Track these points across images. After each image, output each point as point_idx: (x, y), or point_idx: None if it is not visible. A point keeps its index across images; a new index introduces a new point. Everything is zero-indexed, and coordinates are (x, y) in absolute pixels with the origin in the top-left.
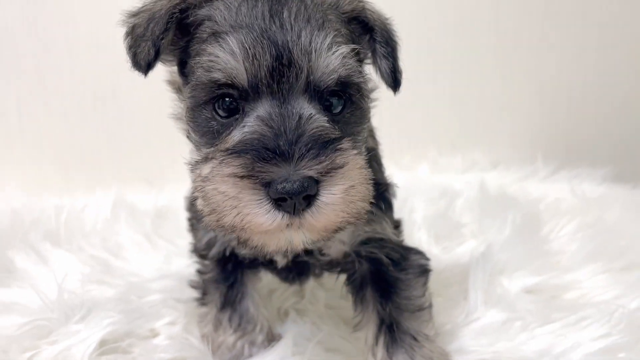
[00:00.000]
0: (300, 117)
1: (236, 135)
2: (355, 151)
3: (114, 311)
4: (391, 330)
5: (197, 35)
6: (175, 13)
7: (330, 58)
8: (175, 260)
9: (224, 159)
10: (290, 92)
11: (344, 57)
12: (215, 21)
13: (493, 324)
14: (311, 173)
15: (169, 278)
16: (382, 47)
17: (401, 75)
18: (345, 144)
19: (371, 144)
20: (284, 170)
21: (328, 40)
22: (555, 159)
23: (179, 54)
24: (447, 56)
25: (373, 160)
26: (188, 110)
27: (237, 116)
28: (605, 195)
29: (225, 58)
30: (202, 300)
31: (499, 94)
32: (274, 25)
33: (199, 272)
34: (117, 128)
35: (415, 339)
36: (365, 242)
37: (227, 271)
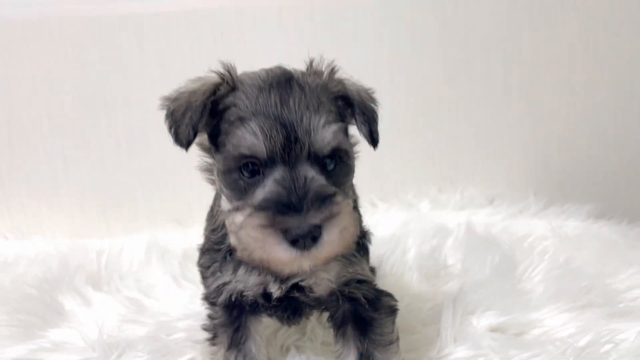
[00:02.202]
0: (305, 179)
1: (259, 194)
2: (345, 202)
3: (144, 352)
4: None
5: (225, 117)
6: (207, 104)
7: (325, 135)
8: (198, 300)
9: (252, 213)
10: (297, 160)
11: (334, 132)
12: (240, 108)
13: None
14: (316, 221)
15: (192, 318)
16: (360, 116)
17: (377, 135)
18: (338, 197)
19: (353, 197)
20: (296, 221)
21: (322, 121)
22: (546, 195)
23: (209, 129)
24: (445, 103)
25: (355, 210)
26: (220, 173)
27: (258, 177)
28: (585, 232)
29: (250, 139)
30: (212, 341)
31: (494, 136)
32: (283, 112)
33: (210, 317)
34: (148, 174)
35: None
36: (347, 283)
37: (233, 316)
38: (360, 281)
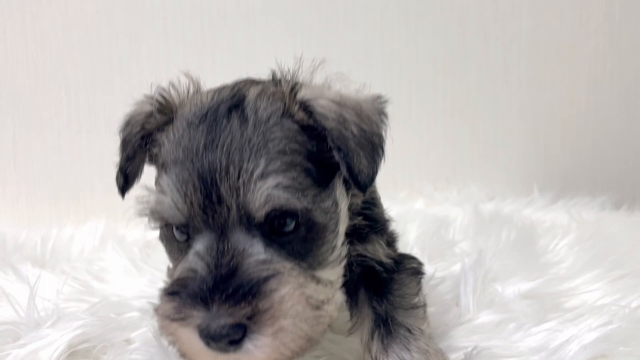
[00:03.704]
0: (234, 253)
1: (178, 270)
2: (286, 289)
3: (86, 314)
4: (386, 324)
5: (158, 159)
6: (136, 141)
7: (258, 192)
8: (160, 284)
9: (163, 298)
10: (226, 225)
11: (275, 187)
12: (165, 150)
13: (486, 324)
14: (230, 320)
15: (151, 298)
16: (336, 152)
17: (366, 174)
18: (273, 283)
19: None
20: (205, 316)
21: (258, 170)
22: (551, 190)
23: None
24: (441, 94)
25: (375, 206)
26: (159, 228)
27: (189, 242)
28: (604, 219)
29: (161, 200)
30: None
31: (493, 129)
32: (205, 160)
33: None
34: (110, 163)
35: (410, 331)
36: (358, 255)
37: None
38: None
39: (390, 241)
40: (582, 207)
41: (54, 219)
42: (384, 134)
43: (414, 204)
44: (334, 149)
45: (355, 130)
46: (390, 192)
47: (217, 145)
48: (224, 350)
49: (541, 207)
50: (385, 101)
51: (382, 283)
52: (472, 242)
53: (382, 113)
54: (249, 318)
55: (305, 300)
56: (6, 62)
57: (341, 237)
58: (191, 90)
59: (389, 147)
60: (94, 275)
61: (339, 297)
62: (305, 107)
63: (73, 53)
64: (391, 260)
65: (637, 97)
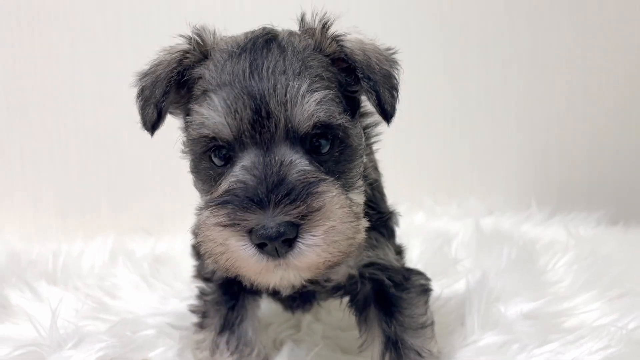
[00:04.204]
0: (281, 164)
1: (224, 185)
2: (335, 192)
3: (107, 335)
4: (396, 346)
5: (193, 92)
6: (172, 77)
7: (305, 105)
8: (172, 300)
9: (211, 209)
10: (272, 140)
11: (319, 102)
12: (206, 79)
13: (490, 345)
14: (287, 218)
15: (165, 315)
16: (365, 82)
17: (391, 106)
18: (324, 186)
19: (374, 176)
20: (262, 217)
21: (303, 88)
22: (548, 204)
23: (184, 107)
24: (440, 109)
25: (376, 190)
26: (191, 161)
27: (230, 165)
28: (600, 235)
29: (211, 115)
30: (200, 325)
31: (491, 143)
32: (253, 80)
33: (202, 294)
34: (117, 178)
35: (419, 354)
36: (369, 265)
37: (230, 294)
38: (381, 267)
39: (399, 251)
40: (579, 222)
41: (61, 232)
42: (398, 78)
43: (414, 217)
44: (364, 79)
45: (377, 67)
46: (392, 205)
47: (261, 69)
48: (275, 254)
49: (539, 221)
50: (396, 52)
51: (391, 302)
52: (475, 260)
53: (394, 61)
54: (302, 217)
55: (348, 206)
56: (14, 76)
57: (360, 168)
58: (217, 36)
59: (389, 161)
60: (106, 291)
61: (364, 223)
62: (336, 41)
63: (80, 67)
64: (400, 276)
65: (633, 111)
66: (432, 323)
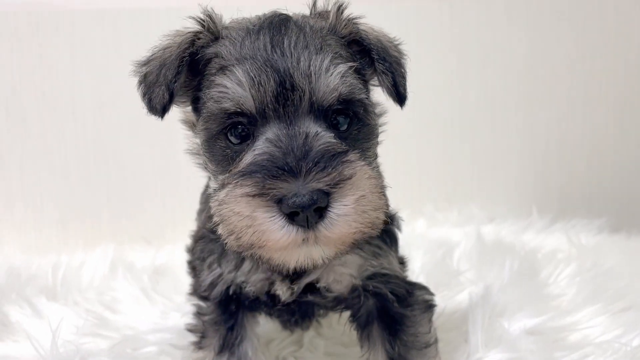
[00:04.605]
0: (307, 136)
1: (247, 158)
2: (363, 162)
3: (108, 354)
4: None
5: (207, 72)
6: (185, 57)
7: (330, 78)
8: (173, 315)
9: (236, 181)
10: (296, 114)
11: (343, 75)
12: (222, 57)
13: None
14: (320, 186)
15: (166, 331)
16: (380, 63)
17: (405, 89)
18: (352, 156)
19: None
20: (293, 185)
21: (326, 62)
22: (549, 211)
23: (192, 93)
24: (440, 115)
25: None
26: (203, 142)
27: (248, 142)
28: (602, 244)
29: (233, 87)
30: (198, 345)
31: (492, 151)
32: (275, 54)
33: (198, 314)
34: (117, 188)
35: None
36: (372, 276)
37: (228, 313)
38: (385, 276)
39: (401, 262)
40: (580, 229)
41: (62, 244)
42: (405, 67)
43: (415, 224)
44: (379, 61)
45: (390, 51)
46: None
47: (282, 44)
48: (306, 225)
49: (540, 229)
50: (401, 43)
51: (395, 319)
52: (477, 271)
53: (402, 50)
54: (334, 186)
55: (375, 177)
56: (14, 88)
57: (376, 148)
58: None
59: (390, 167)
60: (106, 306)
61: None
62: (353, 23)
63: (80, 77)
64: (403, 289)
65: (632, 118)
66: (436, 341)
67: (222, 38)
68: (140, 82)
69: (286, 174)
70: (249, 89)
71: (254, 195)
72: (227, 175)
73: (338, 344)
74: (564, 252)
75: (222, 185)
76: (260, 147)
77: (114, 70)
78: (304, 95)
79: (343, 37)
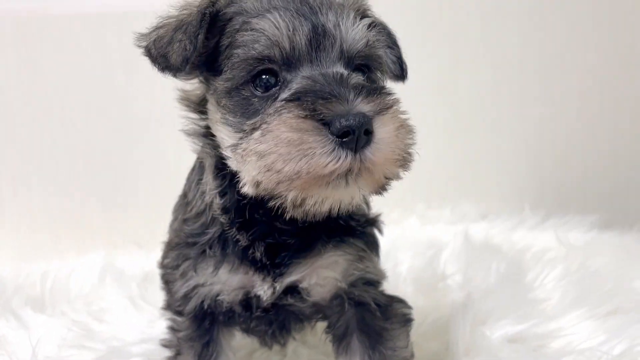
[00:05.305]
0: (341, 75)
1: (285, 94)
2: (394, 97)
3: None
4: None
5: (228, 30)
6: (206, 14)
7: (357, 28)
8: (159, 323)
9: (283, 107)
10: (327, 59)
11: (367, 27)
12: (248, 12)
13: None
14: (367, 108)
15: (151, 342)
16: (388, 37)
17: (406, 65)
18: (386, 90)
19: None
20: (343, 107)
21: (351, 17)
22: (542, 208)
23: (204, 57)
24: (431, 112)
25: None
26: (225, 94)
27: (275, 90)
28: (592, 242)
29: (271, 29)
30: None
31: (484, 147)
32: (305, 7)
33: (172, 329)
34: (107, 192)
35: None
36: (355, 283)
37: (203, 329)
38: (369, 282)
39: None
40: (573, 226)
41: (52, 249)
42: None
43: (406, 223)
44: (385, 35)
45: (390, 29)
46: (384, 210)
47: (309, 1)
48: (354, 147)
49: (533, 226)
50: None
51: (374, 331)
52: (463, 274)
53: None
54: (378, 112)
55: (403, 112)
56: (2, 95)
57: None
58: None
59: None
60: (94, 316)
61: None
62: (361, 5)
63: (69, 82)
64: (384, 300)
65: (627, 113)
66: (412, 356)
67: None
68: (149, 48)
69: (335, 97)
70: (285, 31)
71: (304, 117)
72: (259, 117)
73: (321, 353)
74: (553, 250)
75: (252, 130)
76: (299, 82)
77: (103, 75)
78: (335, 42)
79: (352, 9)
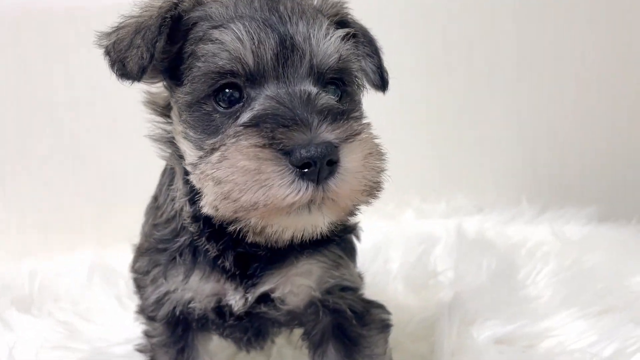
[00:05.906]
0: (309, 94)
1: (246, 115)
2: (364, 121)
3: None
4: None
5: (192, 36)
6: (167, 18)
7: (329, 41)
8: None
9: (240, 133)
10: (295, 75)
11: (341, 39)
12: (213, 18)
13: None
14: (331, 137)
15: (134, 342)
16: (366, 46)
17: (387, 74)
18: (358, 114)
19: None
20: (305, 136)
21: (324, 27)
22: (539, 200)
23: (167, 63)
24: (427, 104)
25: None
26: (186, 108)
27: (238, 106)
28: (589, 236)
29: (232, 43)
30: None
31: (480, 139)
32: (273, 17)
33: (147, 335)
34: (97, 189)
35: None
36: (331, 290)
37: (177, 334)
38: (345, 289)
39: (359, 277)
40: (569, 218)
41: (42, 246)
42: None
43: (401, 217)
44: (365, 43)
45: (371, 36)
46: (378, 204)
47: (278, 9)
48: (316, 179)
49: (529, 219)
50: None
51: (350, 339)
52: (455, 271)
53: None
54: (344, 140)
55: (373, 139)
56: None
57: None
58: None
59: None
60: (80, 315)
61: None
62: (340, 5)
63: (57, 79)
64: (361, 305)
65: (624, 105)
66: None
67: (208, 1)
68: (108, 51)
69: (297, 125)
70: (249, 45)
71: (262, 146)
72: (216, 139)
73: (306, 354)
74: (548, 245)
75: (212, 150)
76: (262, 103)
77: (91, 72)
78: (304, 56)
79: (329, 17)
